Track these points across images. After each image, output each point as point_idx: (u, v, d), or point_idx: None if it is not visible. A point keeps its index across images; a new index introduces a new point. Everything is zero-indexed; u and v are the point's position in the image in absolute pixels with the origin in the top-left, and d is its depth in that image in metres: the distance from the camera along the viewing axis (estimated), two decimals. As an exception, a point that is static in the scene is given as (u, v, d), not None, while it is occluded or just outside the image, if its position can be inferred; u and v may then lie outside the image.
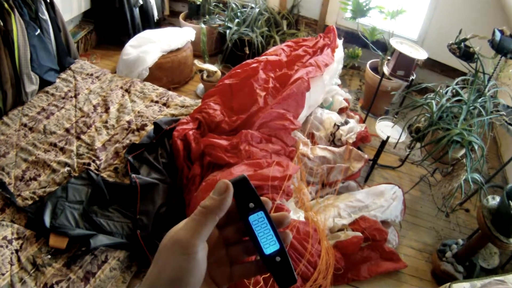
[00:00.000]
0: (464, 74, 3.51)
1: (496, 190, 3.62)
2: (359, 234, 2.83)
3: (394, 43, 3.75)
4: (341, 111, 4.02)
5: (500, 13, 4.56)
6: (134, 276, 2.48)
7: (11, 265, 2.25)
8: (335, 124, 3.62)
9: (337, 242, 2.81)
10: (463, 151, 3.00)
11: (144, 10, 4.88)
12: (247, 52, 4.72)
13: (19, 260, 2.28)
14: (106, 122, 3.21)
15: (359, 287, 2.89)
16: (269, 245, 0.56)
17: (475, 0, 4.72)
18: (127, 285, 2.41)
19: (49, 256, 2.32)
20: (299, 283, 2.46)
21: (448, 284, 2.38)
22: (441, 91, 3.22)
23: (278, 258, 0.56)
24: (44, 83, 3.48)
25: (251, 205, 0.56)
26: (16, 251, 2.32)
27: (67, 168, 2.80)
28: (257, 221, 0.56)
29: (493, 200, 2.84)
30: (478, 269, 3.02)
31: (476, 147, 2.88)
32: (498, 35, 3.08)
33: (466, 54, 3.36)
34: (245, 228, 0.57)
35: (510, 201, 2.60)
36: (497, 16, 4.55)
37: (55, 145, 2.98)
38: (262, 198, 0.58)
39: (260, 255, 0.57)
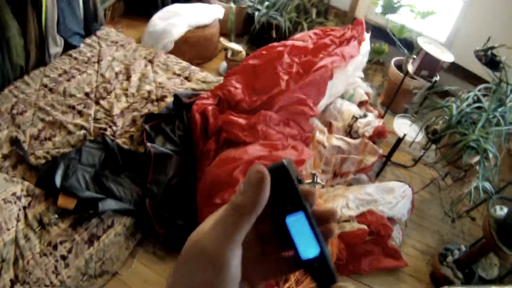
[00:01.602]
0: (487, 82, 3.43)
1: (505, 202, 3.55)
2: (364, 227, 2.79)
3: (421, 42, 3.67)
4: (361, 104, 3.93)
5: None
6: (138, 244, 2.46)
7: (17, 221, 2.22)
8: (353, 116, 3.54)
9: (342, 232, 2.76)
10: (477, 158, 2.96)
11: (175, -17, 4.81)
12: (274, 35, 4.64)
13: (26, 217, 2.26)
14: (127, 90, 3.15)
15: (358, 280, 2.86)
16: (308, 249, 0.47)
17: (508, 9, 4.61)
18: (130, 252, 2.38)
19: (56, 216, 2.29)
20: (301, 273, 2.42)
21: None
22: (462, 96, 3.16)
23: (316, 264, 0.47)
24: (68, 47, 3.43)
25: (289, 205, 0.46)
26: (24, 208, 2.29)
27: (83, 131, 2.75)
28: (295, 222, 0.46)
29: (501, 211, 2.80)
30: (477, 278, 2.96)
31: (490, 155, 2.83)
32: None
33: (492, 62, 3.30)
34: (280, 227, 0.47)
35: None
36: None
37: (73, 107, 2.94)
38: (304, 189, 0.47)
39: (296, 259, 0.48)
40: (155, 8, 4.34)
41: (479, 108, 3.07)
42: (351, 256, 2.81)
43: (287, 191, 0.46)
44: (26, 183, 2.39)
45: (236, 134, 2.64)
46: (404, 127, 3.47)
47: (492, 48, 3.32)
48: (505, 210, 2.78)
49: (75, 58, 3.34)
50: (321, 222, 0.48)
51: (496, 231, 2.67)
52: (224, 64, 4.42)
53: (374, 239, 2.87)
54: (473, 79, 4.05)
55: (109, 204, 2.34)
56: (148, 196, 2.44)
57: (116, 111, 2.95)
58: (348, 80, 3.67)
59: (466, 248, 3.12)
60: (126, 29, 4.44)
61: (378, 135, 3.53)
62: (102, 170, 2.55)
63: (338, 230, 2.79)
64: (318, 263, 0.47)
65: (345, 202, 2.97)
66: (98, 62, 3.35)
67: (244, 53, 4.17)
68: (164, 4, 4.48)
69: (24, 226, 2.21)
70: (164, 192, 2.47)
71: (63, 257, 2.17)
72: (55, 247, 2.18)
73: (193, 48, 4.19)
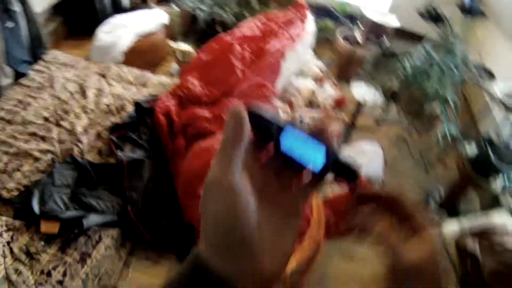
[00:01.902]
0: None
1: (470, 142, 3.67)
2: (345, 189, 2.83)
3: (366, 11, 3.74)
4: (316, 80, 3.97)
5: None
6: (129, 253, 2.44)
7: (4, 257, 2.15)
8: (311, 91, 3.58)
9: (325, 198, 2.79)
10: (438, 106, 3.02)
11: (114, -3, 4.76)
12: (220, 31, 4.63)
13: (12, 251, 2.18)
14: (85, 106, 3.10)
15: (349, 240, 2.88)
16: (316, 161, 0.49)
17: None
18: (124, 262, 2.36)
19: (43, 243, 2.23)
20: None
21: (438, 225, 2.40)
22: (414, 53, 3.24)
23: (330, 166, 0.50)
24: (18, 76, 3.35)
25: (275, 134, 0.49)
26: (8, 243, 2.21)
27: (50, 156, 2.70)
28: (289, 142, 0.49)
29: (470, 148, 2.93)
30: (461, 214, 3.07)
31: (450, 101, 2.90)
32: None
33: (435, 18, 3.38)
34: (282, 156, 0.50)
35: (487, 145, 2.73)
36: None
37: (35, 134, 2.86)
38: (284, 119, 0.51)
39: (312, 175, 0.52)
40: (97, 24, 4.29)
41: (430, 62, 3.15)
42: (339, 219, 2.84)
43: (267, 124, 0.49)
44: (3, 218, 2.32)
45: (203, 126, 2.64)
46: (363, 91, 3.52)
47: (433, 4, 3.40)
48: (474, 147, 2.88)
49: (28, 86, 3.26)
50: (317, 136, 0.50)
51: (470, 166, 2.82)
52: (175, 66, 4.40)
53: (357, 199, 2.91)
54: (420, 39, 4.12)
55: (93, 219, 2.30)
56: (129, 203, 2.42)
57: (79, 129, 2.90)
58: (300, 59, 3.71)
59: (445, 189, 3.21)
60: (72, 50, 4.38)
61: (338, 105, 3.58)
62: (78, 188, 2.50)
63: (321, 196, 2.82)
64: (332, 164, 0.49)
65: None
66: (51, 85, 3.28)
67: (193, 52, 4.17)
68: (106, 19, 4.43)
69: (12, 261, 2.15)
70: (144, 197, 2.45)
71: (60, 282, 2.12)
72: (49, 274, 2.13)
73: (142, 56, 4.15)
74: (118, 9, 4.77)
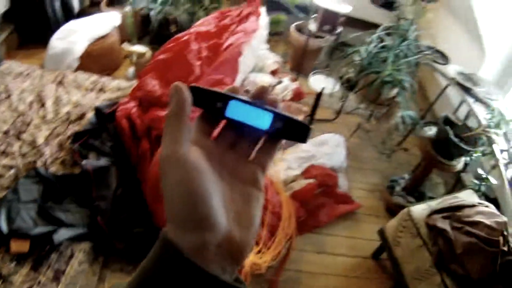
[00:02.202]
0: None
1: (430, 126, 3.74)
2: (312, 180, 2.86)
3: (317, 1, 3.76)
4: (272, 73, 3.98)
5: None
6: (103, 266, 2.38)
7: (-25, 284, 2.10)
8: (269, 85, 3.59)
9: (293, 192, 2.82)
10: (395, 90, 3.08)
11: (65, 2, 4.66)
12: (173, 30, 4.60)
13: (-18, 277, 2.12)
14: (44, 117, 3.04)
15: (321, 232, 2.95)
16: (263, 119, 0.51)
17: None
18: (98, 277, 2.32)
19: (14, 264, 2.16)
20: (267, 237, 2.45)
21: (406, 210, 2.47)
22: (367, 39, 3.28)
23: (279, 124, 0.51)
24: (-29, 90, 3.26)
25: (219, 103, 0.51)
26: (-23, 267, 2.15)
27: (12, 171, 2.63)
28: (236, 111, 0.51)
29: (430, 131, 3.01)
30: (427, 198, 3.14)
31: (406, 85, 2.97)
32: None
33: (387, 3, 3.43)
34: (232, 126, 0.54)
35: (447, 127, 2.76)
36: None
37: (-5, 149, 2.80)
38: (227, 88, 0.53)
39: (264, 135, 0.54)
40: (50, 31, 4.21)
41: (384, 48, 3.20)
42: (308, 213, 2.88)
43: (210, 97, 0.51)
44: (-31, 241, 2.26)
45: (166, 128, 2.62)
46: (320, 82, 3.55)
47: None
48: (434, 129, 2.96)
49: (-17, 100, 3.19)
50: (261, 100, 0.53)
51: (432, 149, 2.88)
52: (131, 69, 4.35)
53: (324, 190, 2.96)
54: (372, 27, 4.17)
55: (63, 233, 2.25)
56: (98, 213, 2.36)
57: (40, 140, 2.83)
58: (255, 54, 3.70)
59: (409, 175, 3.27)
60: (26, 59, 4.28)
61: (296, 97, 3.61)
62: (45, 202, 2.44)
63: (289, 191, 2.84)
64: (280, 122, 0.51)
65: (287, 165, 3.05)
66: (8, 97, 3.20)
67: (149, 53, 4.13)
68: (58, 25, 4.34)
69: (-18, 287, 2.09)
70: (112, 205, 2.40)
71: (35, 303, 2.09)
72: (23, 296, 2.09)
73: (98, 61, 4.09)
74: (70, 15, 4.69)
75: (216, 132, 0.54)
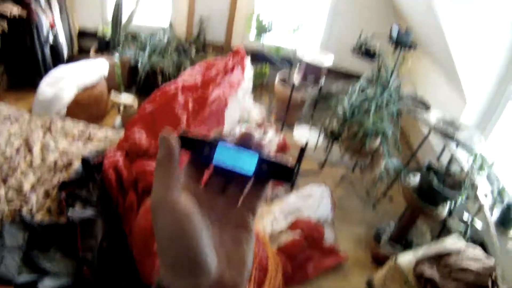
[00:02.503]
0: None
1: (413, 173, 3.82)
2: (298, 233, 2.88)
3: (301, 53, 3.86)
4: (258, 125, 4.05)
5: (392, 12, 4.85)
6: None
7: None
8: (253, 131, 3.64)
9: (279, 246, 2.84)
10: (379, 140, 3.14)
11: (55, 48, 4.74)
12: (160, 80, 4.68)
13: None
14: (31, 163, 3.05)
15: (309, 286, 2.94)
16: (249, 164, 0.53)
17: (367, 7, 4.97)
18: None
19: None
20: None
21: (394, 259, 2.49)
22: (350, 91, 3.36)
23: (265, 167, 0.53)
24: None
25: (206, 150, 0.53)
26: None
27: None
28: (222, 156, 0.53)
29: (414, 179, 3.07)
30: (415, 245, 3.17)
31: (389, 134, 3.03)
32: (395, 30, 3.26)
33: (368, 53, 3.54)
34: (219, 172, 0.55)
35: (430, 174, 2.82)
36: (390, 16, 4.82)
37: (-19, 193, 2.81)
38: (212, 133, 0.55)
39: (251, 178, 0.55)
40: (39, 75, 4.26)
41: (366, 98, 3.28)
42: (295, 266, 2.88)
43: (197, 143, 0.53)
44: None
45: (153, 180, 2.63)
46: (304, 134, 3.62)
47: (366, 40, 3.55)
48: (418, 177, 3.00)
49: (-30, 144, 3.21)
50: (246, 146, 0.54)
51: (417, 196, 2.91)
52: (118, 119, 4.39)
53: (310, 243, 2.96)
54: (353, 78, 4.29)
55: (48, 283, 2.23)
56: (85, 264, 2.35)
57: (26, 187, 2.84)
58: (241, 105, 3.77)
59: (395, 223, 3.30)
60: (15, 102, 4.31)
61: (281, 149, 3.66)
62: (30, 250, 2.43)
63: (275, 244, 2.86)
64: (265, 165, 0.53)
65: (273, 217, 3.06)
66: (-4, 141, 3.23)
67: (136, 103, 4.18)
68: (47, 71, 4.40)
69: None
70: (99, 257, 2.38)
71: None
72: None
73: (85, 109, 4.13)
74: (59, 60, 4.76)
75: (205, 178, 0.56)
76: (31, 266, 2.35)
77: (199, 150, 0.53)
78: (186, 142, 0.53)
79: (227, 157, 0.53)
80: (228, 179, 0.56)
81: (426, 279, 2.23)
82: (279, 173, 0.54)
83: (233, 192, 0.56)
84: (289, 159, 0.59)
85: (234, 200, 0.56)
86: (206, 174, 0.56)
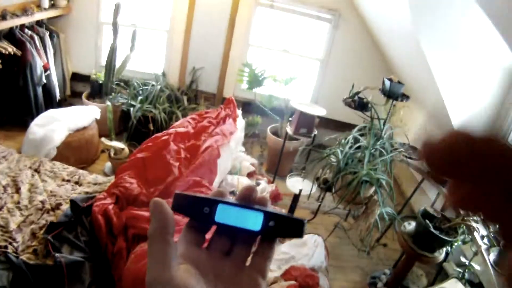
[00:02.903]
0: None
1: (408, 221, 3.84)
2: (293, 282, 2.85)
3: (294, 104, 3.91)
4: (249, 175, 4.05)
5: (383, 66, 4.95)
6: None
7: None
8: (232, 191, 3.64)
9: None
10: (372, 189, 3.17)
11: (47, 89, 4.75)
12: (152, 128, 4.69)
13: None
14: (19, 202, 3.00)
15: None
16: (255, 221, 0.49)
17: (358, 58, 5.08)
18: None
19: None
20: None
21: None
22: (343, 141, 3.39)
23: (271, 223, 0.49)
24: None
25: (206, 209, 0.49)
26: None
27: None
28: (225, 215, 0.49)
29: (409, 225, 3.09)
30: None
31: (384, 182, 3.06)
32: (387, 83, 3.33)
33: (361, 105, 3.60)
34: (223, 231, 0.52)
35: (426, 220, 2.85)
36: (381, 70, 4.92)
37: (-35, 231, 2.74)
38: (212, 192, 0.53)
39: (258, 236, 0.51)
40: (30, 116, 4.25)
41: (359, 148, 3.32)
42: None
43: (196, 203, 0.50)
44: None
45: (144, 227, 2.59)
46: (297, 184, 3.63)
47: (358, 92, 3.62)
48: (413, 223, 3.03)
49: (-43, 181, 3.16)
50: (249, 202, 0.52)
51: (413, 243, 2.94)
52: (108, 164, 4.37)
53: (305, 292, 2.94)
54: (345, 127, 4.33)
55: None
56: None
57: (12, 226, 2.78)
58: (232, 155, 3.78)
59: (390, 270, 3.30)
60: (5, 140, 4.29)
61: (274, 199, 3.67)
62: None
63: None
64: (272, 221, 0.49)
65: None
66: (-17, 179, 3.19)
67: (127, 150, 4.17)
68: (38, 112, 4.39)
69: None
70: None
71: None
72: None
73: (75, 152, 4.11)
74: (51, 102, 4.76)
75: (207, 240, 0.52)
76: (15, 309, 2.28)
77: (199, 209, 0.49)
78: (183, 201, 0.50)
79: (230, 215, 0.50)
80: (233, 238, 0.52)
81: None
82: (288, 228, 0.51)
83: (240, 254, 0.52)
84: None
85: (242, 262, 0.52)
86: (208, 235, 0.53)
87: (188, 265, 0.47)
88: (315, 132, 4.12)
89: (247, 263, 0.52)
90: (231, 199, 0.51)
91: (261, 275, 0.51)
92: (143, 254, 2.34)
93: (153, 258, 0.45)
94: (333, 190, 3.38)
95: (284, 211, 0.60)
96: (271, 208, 0.52)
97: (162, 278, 0.43)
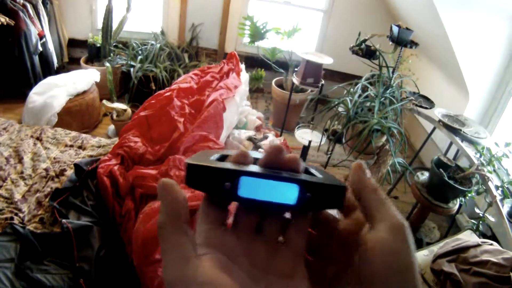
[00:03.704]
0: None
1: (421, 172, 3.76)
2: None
3: (300, 53, 3.78)
4: (256, 129, 3.94)
5: (388, 14, 4.80)
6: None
7: None
8: (249, 138, 3.54)
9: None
10: (384, 138, 3.09)
11: (44, 57, 4.61)
12: (154, 87, 4.57)
13: None
14: (22, 172, 2.91)
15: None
16: (288, 193, 0.39)
17: (362, 8, 4.91)
18: None
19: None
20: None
21: None
22: (351, 90, 3.28)
23: (309, 194, 0.39)
24: None
25: (227, 183, 0.38)
26: None
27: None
28: (251, 188, 0.39)
29: (423, 176, 3.04)
30: (425, 244, 3.12)
31: (395, 131, 2.97)
32: (395, 29, 3.21)
33: (369, 53, 3.48)
34: (250, 206, 0.42)
35: (440, 169, 2.77)
36: (386, 18, 4.78)
37: (-31, 205, 2.65)
38: (234, 156, 0.42)
39: (293, 211, 0.42)
40: (29, 86, 4.13)
41: (368, 97, 3.21)
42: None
43: (213, 176, 0.39)
44: None
45: (151, 186, 2.49)
46: (306, 135, 3.52)
47: (365, 40, 3.49)
48: (426, 174, 2.96)
49: (-43, 155, 3.06)
50: (277, 165, 0.41)
51: (427, 193, 2.88)
52: (111, 127, 4.28)
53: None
54: (351, 79, 4.22)
55: None
56: (81, 275, 2.19)
57: (17, 197, 2.69)
58: (238, 109, 3.67)
59: None
60: (4, 113, 4.18)
61: (282, 152, 3.57)
62: (23, 262, 2.26)
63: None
64: (309, 192, 0.39)
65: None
66: (-16, 151, 3.08)
67: (129, 110, 4.06)
68: (36, 81, 4.26)
69: None
70: (96, 266, 2.23)
71: None
72: None
73: (77, 117, 4.01)
74: (49, 70, 4.64)
75: (230, 213, 0.43)
76: (24, 278, 2.18)
77: (218, 183, 0.39)
78: (198, 174, 0.39)
79: (257, 188, 0.39)
80: (263, 213, 0.42)
81: (445, 275, 2.13)
82: (327, 198, 0.40)
83: (272, 230, 0.42)
84: (336, 178, 0.43)
85: (275, 240, 0.42)
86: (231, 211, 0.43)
87: (214, 253, 0.38)
88: (322, 82, 3.97)
89: (281, 240, 0.43)
90: (256, 167, 0.40)
91: (299, 255, 0.42)
92: (151, 213, 2.25)
93: (168, 254, 0.36)
94: (343, 141, 3.27)
95: (316, 171, 0.45)
96: (305, 175, 0.41)
97: (183, 277, 0.35)
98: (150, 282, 2.07)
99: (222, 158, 0.44)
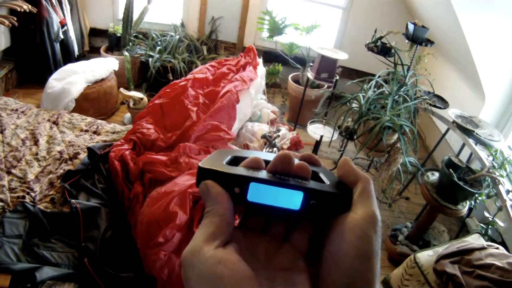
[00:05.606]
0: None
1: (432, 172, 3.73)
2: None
3: (315, 48, 3.77)
4: (270, 123, 3.94)
5: (406, 11, 4.77)
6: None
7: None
8: (263, 135, 3.53)
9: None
10: (395, 136, 3.06)
11: (65, 45, 4.67)
12: (171, 78, 4.60)
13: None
14: (37, 154, 2.95)
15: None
16: (293, 200, 0.42)
17: (381, 6, 4.88)
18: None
19: (-9, 299, 2.04)
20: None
21: (412, 256, 2.39)
22: (365, 86, 3.26)
23: (313, 202, 0.41)
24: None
25: (237, 188, 0.41)
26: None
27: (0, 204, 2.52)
28: (259, 194, 0.42)
29: (433, 176, 3.00)
30: (432, 246, 3.03)
31: (407, 130, 2.95)
32: (411, 27, 3.18)
33: (384, 50, 3.45)
34: (257, 210, 0.44)
35: (450, 170, 2.73)
36: (404, 15, 4.74)
37: (-16, 183, 2.69)
38: (246, 160, 0.44)
39: (297, 216, 0.45)
40: (49, 72, 4.17)
41: (382, 94, 3.18)
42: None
43: (223, 181, 0.42)
44: None
45: (161, 171, 2.51)
46: (318, 130, 3.51)
47: (381, 37, 3.47)
48: (436, 174, 2.92)
49: (-24, 134, 3.11)
50: (286, 172, 0.43)
51: (436, 194, 2.84)
52: (128, 115, 4.31)
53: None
54: (367, 76, 4.21)
55: (47, 272, 2.08)
56: (86, 255, 2.21)
57: (30, 177, 2.73)
58: (253, 102, 3.67)
59: (412, 223, 3.20)
60: (23, 98, 4.24)
61: (295, 146, 3.56)
62: (31, 239, 2.29)
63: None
64: (313, 199, 0.42)
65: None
66: (2, 132, 3.11)
67: (146, 99, 4.09)
68: (57, 68, 4.31)
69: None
70: (101, 247, 2.25)
71: None
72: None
73: (94, 104, 4.05)
74: (69, 57, 4.69)
75: (238, 219, 0.46)
76: (30, 254, 2.22)
77: (227, 188, 0.41)
78: (208, 177, 0.42)
79: (264, 194, 0.42)
80: (268, 216, 0.46)
81: (447, 276, 2.09)
82: (332, 205, 0.42)
83: (277, 231, 0.46)
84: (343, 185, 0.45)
85: (279, 239, 0.46)
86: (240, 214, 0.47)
87: (233, 246, 0.40)
88: (337, 77, 3.96)
89: (285, 239, 0.47)
90: (265, 174, 0.42)
91: (301, 254, 0.45)
92: (158, 197, 2.26)
93: (204, 230, 0.39)
94: (355, 137, 3.25)
95: (325, 175, 0.48)
96: (311, 183, 0.43)
97: (203, 252, 0.37)
98: (152, 265, 2.09)
99: (235, 161, 0.46)
